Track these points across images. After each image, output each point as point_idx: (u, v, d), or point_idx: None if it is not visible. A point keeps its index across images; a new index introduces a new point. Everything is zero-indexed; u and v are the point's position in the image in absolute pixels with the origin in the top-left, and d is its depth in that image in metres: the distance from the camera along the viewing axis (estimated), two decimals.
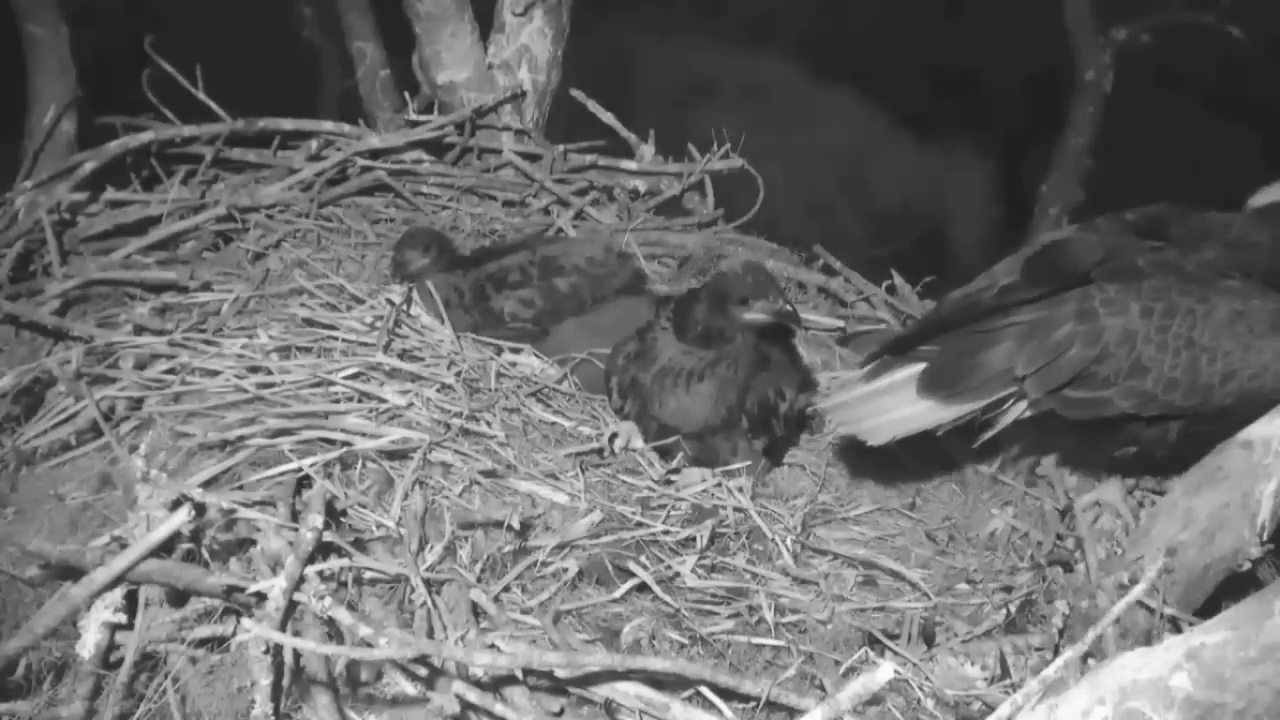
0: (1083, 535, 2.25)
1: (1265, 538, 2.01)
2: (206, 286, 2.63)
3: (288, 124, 3.28)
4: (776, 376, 2.40)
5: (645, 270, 2.86)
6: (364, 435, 2.05)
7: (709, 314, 2.26)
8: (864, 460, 2.57)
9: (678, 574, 1.99)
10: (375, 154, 3.28)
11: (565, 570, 1.93)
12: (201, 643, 1.75)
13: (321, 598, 1.57)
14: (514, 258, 2.68)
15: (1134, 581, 1.97)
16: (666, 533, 2.05)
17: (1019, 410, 2.15)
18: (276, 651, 1.58)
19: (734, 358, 2.30)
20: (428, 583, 1.77)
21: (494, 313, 2.59)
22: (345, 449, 2.01)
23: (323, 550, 1.75)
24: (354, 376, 2.23)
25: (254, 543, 1.79)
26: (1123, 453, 2.23)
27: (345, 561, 1.76)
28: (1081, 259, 2.14)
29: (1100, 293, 2.07)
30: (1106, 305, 2.06)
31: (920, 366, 2.15)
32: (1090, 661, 1.74)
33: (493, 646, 1.66)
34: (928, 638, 2.01)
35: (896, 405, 2.15)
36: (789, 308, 2.26)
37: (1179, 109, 6.37)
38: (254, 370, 2.22)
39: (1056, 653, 1.97)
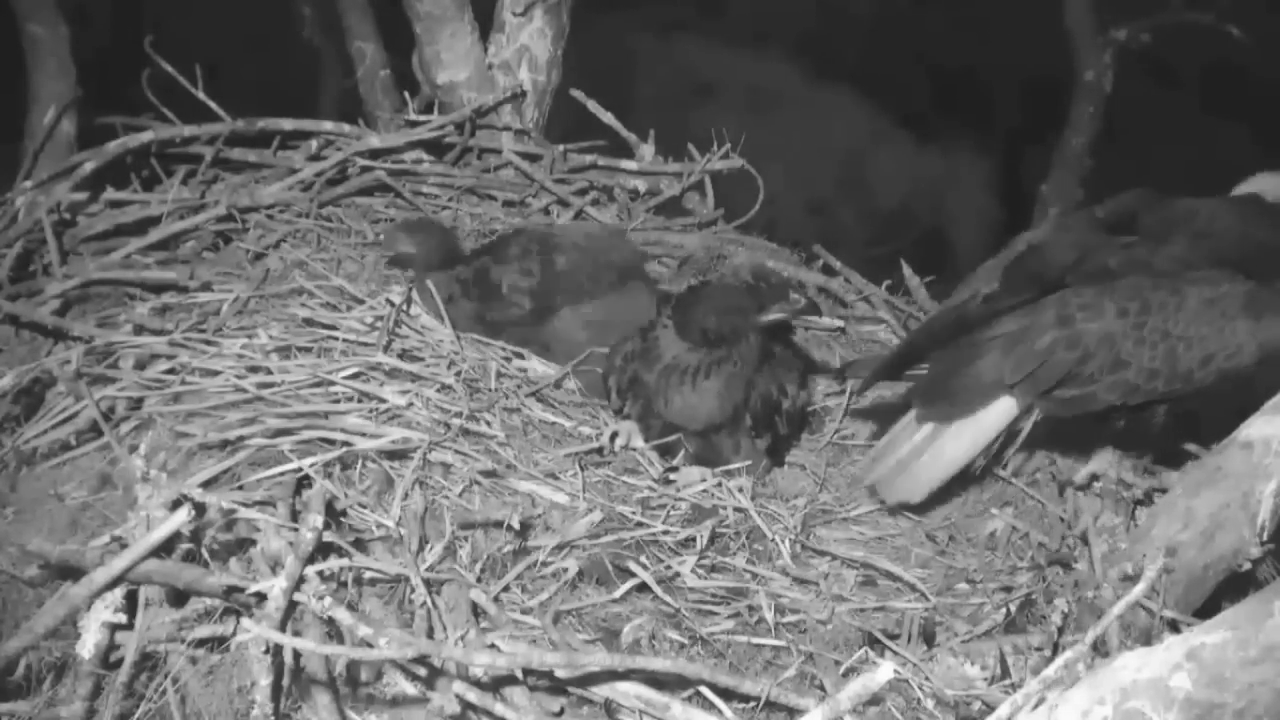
0: (1086, 527, 2.27)
1: (1265, 538, 2.01)
2: (206, 286, 2.63)
3: (288, 124, 3.28)
4: (779, 373, 2.41)
5: (644, 250, 2.88)
6: (364, 435, 2.05)
7: (722, 322, 2.29)
8: (864, 459, 2.58)
9: (678, 574, 1.99)
10: (375, 154, 3.28)
11: (565, 570, 1.93)
12: (201, 643, 1.75)
13: (321, 598, 1.57)
14: (513, 239, 2.70)
15: (1137, 573, 1.99)
16: (666, 533, 2.05)
17: (1029, 425, 2.25)
18: (276, 651, 1.58)
19: (741, 356, 2.31)
20: (428, 583, 1.77)
21: (493, 286, 2.59)
22: (345, 449, 2.01)
23: (323, 550, 1.75)
24: (354, 376, 2.23)
25: (254, 543, 1.79)
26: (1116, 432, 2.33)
27: (345, 561, 1.76)
28: (1056, 262, 2.25)
29: (1077, 297, 2.18)
30: (1083, 310, 2.17)
31: (909, 400, 2.26)
32: (1095, 656, 1.74)
33: (493, 646, 1.66)
34: (928, 638, 2.01)
35: (928, 465, 2.25)
36: (804, 301, 2.34)
37: (1179, 109, 6.37)
38: (254, 370, 2.22)
39: (1056, 652, 1.97)
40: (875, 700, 1.82)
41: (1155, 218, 2.29)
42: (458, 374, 2.34)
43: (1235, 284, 2.17)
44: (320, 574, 1.70)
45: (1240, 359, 2.16)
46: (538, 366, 2.57)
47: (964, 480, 2.32)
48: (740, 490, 2.22)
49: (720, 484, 2.25)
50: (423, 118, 3.41)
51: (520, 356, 2.58)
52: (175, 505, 1.71)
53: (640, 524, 2.06)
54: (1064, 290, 2.19)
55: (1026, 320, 2.18)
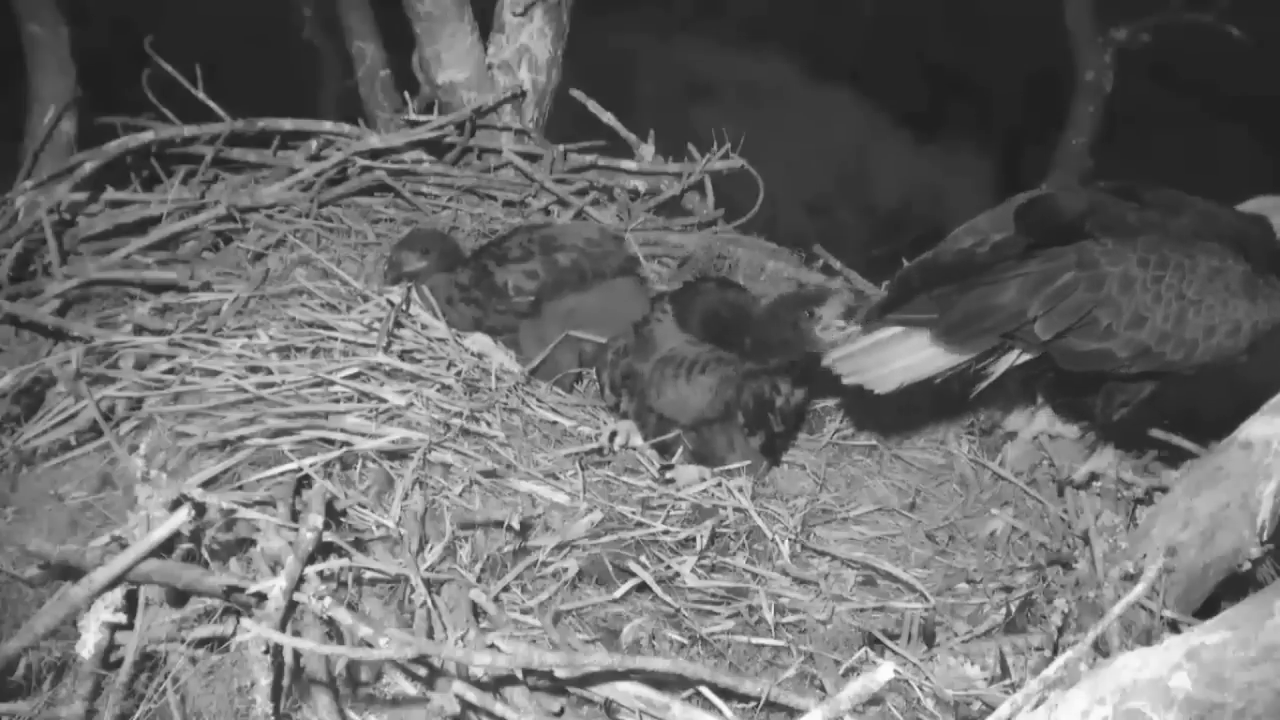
0: (1087, 526, 2.27)
1: (1265, 538, 2.01)
2: (206, 286, 2.63)
3: (288, 124, 3.28)
4: (773, 371, 2.40)
5: (639, 254, 2.90)
6: (364, 435, 2.05)
7: (780, 334, 2.28)
8: (864, 459, 2.58)
9: (678, 574, 1.99)
10: (375, 154, 3.28)
11: (565, 570, 1.93)
12: (201, 643, 1.75)
13: (321, 598, 1.57)
14: (512, 239, 2.69)
15: (1138, 573, 1.99)
16: (666, 533, 2.05)
17: (1012, 358, 2.24)
18: (276, 651, 1.58)
19: (739, 359, 2.30)
20: (428, 583, 1.77)
21: (496, 288, 2.58)
22: (345, 449, 2.01)
23: (323, 550, 1.75)
24: (354, 376, 2.23)
25: (254, 543, 1.79)
26: (1105, 405, 2.33)
27: (345, 561, 1.76)
28: (1070, 209, 2.25)
29: (1099, 245, 2.17)
30: (1106, 255, 2.16)
31: (926, 315, 2.19)
32: (1096, 656, 1.74)
33: (493, 646, 1.65)
34: (928, 638, 2.01)
35: (905, 353, 2.20)
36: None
37: (1179, 109, 6.37)
38: (254, 370, 2.22)
39: (1056, 652, 1.97)
40: (875, 700, 1.82)
41: (1156, 195, 2.31)
42: (458, 374, 2.34)
43: (1237, 262, 2.19)
44: (320, 574, 1.69)
45: (1237, 339, 2.17)
46: (501, 357, 2.56)
47: (924, 389, 2.25)
48: (740, 490, 2.22)
49: (720, 484, 2.25)
50: (423, 118, 3.40)
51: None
52: (175, 505, 1.71)
53: (640, 524, 2.06)
54: (1085, 240, 2.18)
55: (1048, 264, 2.16)
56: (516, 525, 1.90)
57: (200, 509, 1.72)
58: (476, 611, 1.80)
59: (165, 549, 1.70)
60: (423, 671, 1.68)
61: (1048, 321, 2.13)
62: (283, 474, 1.95)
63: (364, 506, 1.92)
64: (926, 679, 1.90)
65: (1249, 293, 2.18)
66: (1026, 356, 2.25)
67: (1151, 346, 2.15)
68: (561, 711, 1.70)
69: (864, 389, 2.20)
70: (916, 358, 2.19)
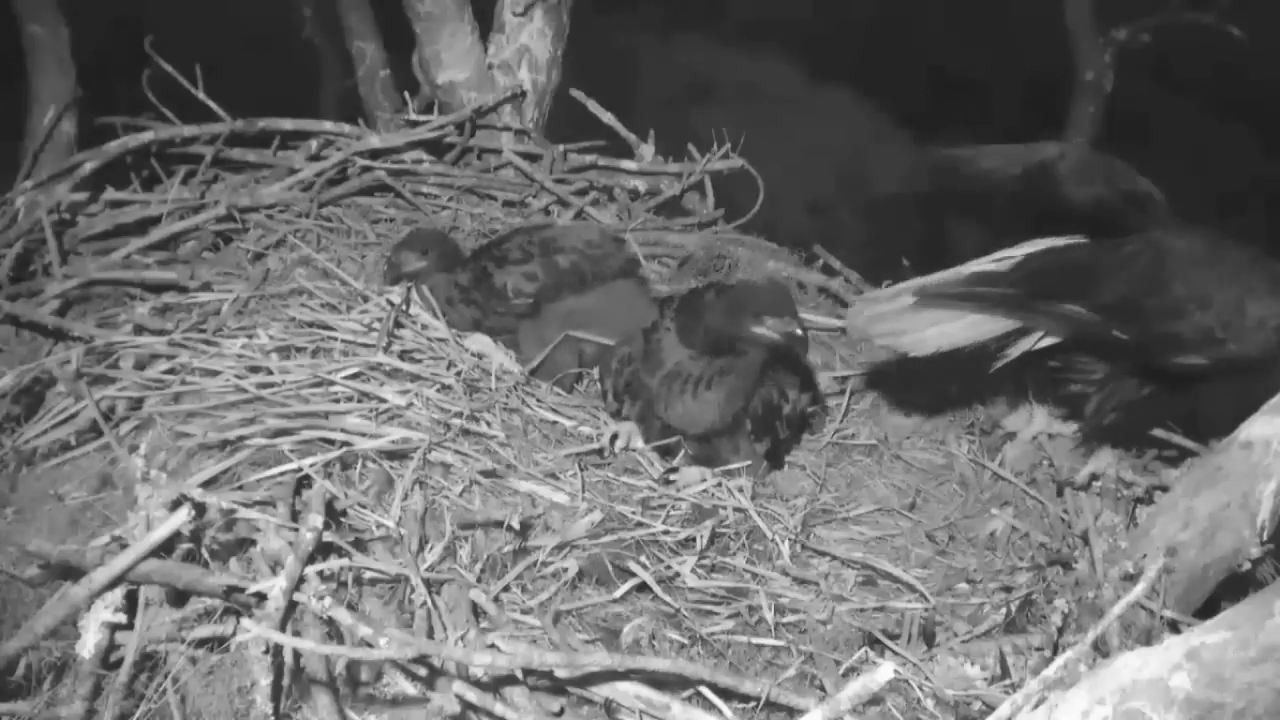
0: (1086, 526, 2.26)
1: (1265, 538, 2.01)
2: (206, 286, 2.63)
3: (288, 124, 3.28)
4: (780, 376, 2.40)
5: (640, 255, 2.91)
6: (364, 435, 2.05)
7: (720, 321, 2.21)
8: (864, 459, 2.58)
9: (678, 574, 1.99)
10: (375, 154, 3.28)
11: (565, 570, 1.93)
12: (201, 643, 1.75)
13: (321, 598, 1.57)
14: (512, 240, 2.69)
15: (1137, 573, 1.99)
16: (666, 533, 2.05)
17: (1034, 339, 2.23)
18: (276, 651, 1.58)
19: (741, 369, 2.29)
20: (428, 583, 1.77)
21: (496, 290, 2.57)
22: (345, 449, 2.01)
23: (323, 550, 1.75)
24: (354, 376, 2.23)
25: (254, 543, 1.79)
26: (1098, 408, 2.32)
27: (345, 561, 1.76)
28: (1077, 199, 2.29)
29: (1154, 233, 2.18)
30: (1167, 235, 2.16)
31: (998, 289, 2.19)
32: (1096, 656, 1.74)
33: (493, 646, 1.66)
34: (928, 638, 2.01)
35: (947, 318, 2.17)
36: (800, 332, 2.19)
37: (1179, 109, 6.37)
38: (254, 370, 2.22)
39: (1056, 652, 1.97)
40: (875, 700, 1.82)
41: (1160, 208, 2.33)
42: (458, 374, 2.34)
43: (1268, 260, 2.19)
44: (320, 574, 1.69)
45: None
46: (501, 358, 2.55)
47: (952, 358, 2.24)
48: (740, 490, 2.22)
49: (720, 484, 2.25)
50: (423, 118, 3.41)
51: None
52: (175, 505, 1.71)
53: (640, 524, 2.06)
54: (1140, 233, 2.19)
55: (1111, 241, 2.15)
56: (516, 525, 1.90)
57: (200, 509, 1.72)
58: (476, 611, 1.80)
59: (165, 549, 1.70)
60: (423, 671, 1.68)
61: (1121, 286, 2.13)
62: (283, 474, 1.94)
63: (364, 506, 1.92)
64: (926, 679, 1.90)
65: None
66: (1048, 340, 2.24)
67: (1216, 332, 2.13)
68: (561, 711, 1.70)
69: (896, 351, 2.17)
70: (958, 324, 2.17)
